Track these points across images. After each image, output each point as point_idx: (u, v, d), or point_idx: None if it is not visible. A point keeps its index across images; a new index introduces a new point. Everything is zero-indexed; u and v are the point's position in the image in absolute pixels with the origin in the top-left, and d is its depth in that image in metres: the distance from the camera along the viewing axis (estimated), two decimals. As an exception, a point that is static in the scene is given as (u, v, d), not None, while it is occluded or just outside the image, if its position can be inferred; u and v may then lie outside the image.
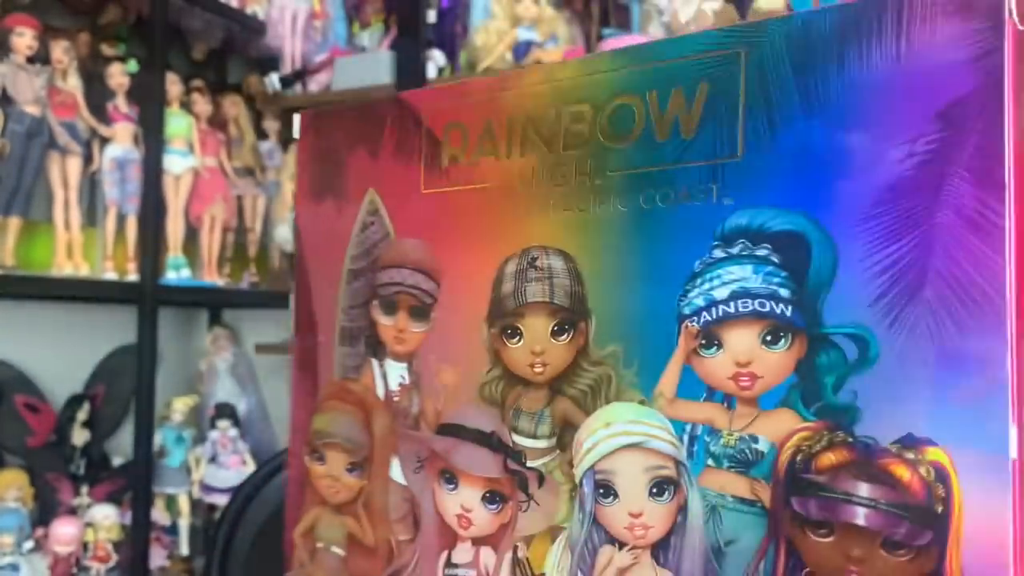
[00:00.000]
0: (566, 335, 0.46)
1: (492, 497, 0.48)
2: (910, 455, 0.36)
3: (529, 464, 0.47)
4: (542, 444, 0.46)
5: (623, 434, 0.43)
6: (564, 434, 0.46)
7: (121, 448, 1.72)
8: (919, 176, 0.36)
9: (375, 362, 0.54)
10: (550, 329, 0.46)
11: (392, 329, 0.53)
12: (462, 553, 0.49)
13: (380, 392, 0.53)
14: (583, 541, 0.44)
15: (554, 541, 0.46)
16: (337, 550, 0.55)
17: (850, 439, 0.37)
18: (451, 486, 0.49)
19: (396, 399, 0.52)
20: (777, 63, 0.40)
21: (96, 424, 1.61)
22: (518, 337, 0.47)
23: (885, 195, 0.37)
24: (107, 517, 1.48)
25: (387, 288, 0.53)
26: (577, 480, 0.45)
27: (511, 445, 0.47)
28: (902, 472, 0.36)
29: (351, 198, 0.56)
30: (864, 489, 0.37)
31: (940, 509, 0.35)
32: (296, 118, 0.59)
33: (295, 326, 0.59)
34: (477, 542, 0.48)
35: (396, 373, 0.53)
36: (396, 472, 0.52)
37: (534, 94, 0.48)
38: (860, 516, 0.37)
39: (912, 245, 0.36)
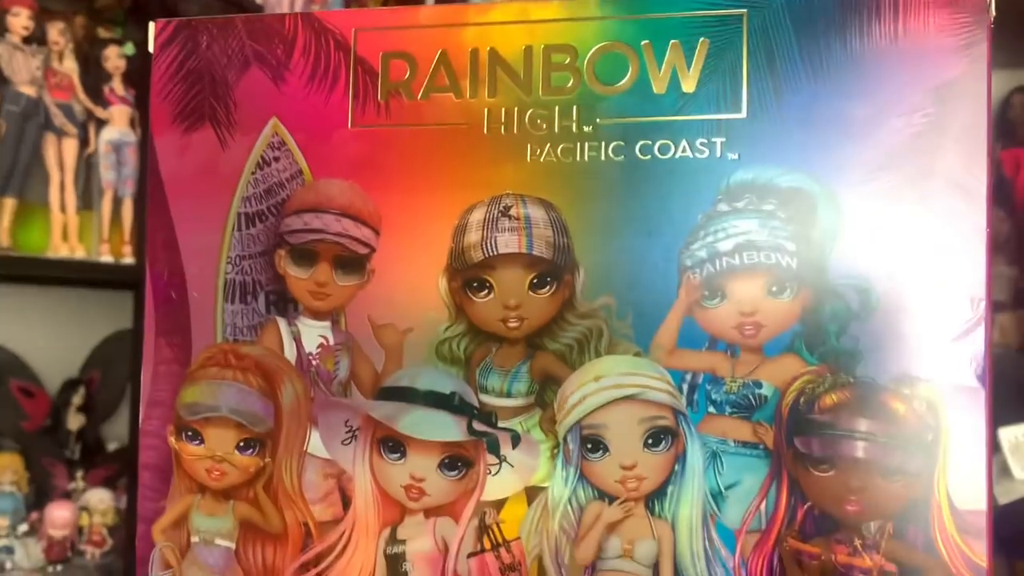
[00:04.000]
0: (548, 288, 0.43)
1: (452, 463, 0.44)
2: (905, 391, 0.41)
3: (501, 424, 0.44)
4: (517, 402, 0.44)
5: (616, 387, 0.42)
6: (544, 390, 0.44)
7: (116, 433, 1.70)
8: (916, 144, 0.41)
9: (282, 321, 0.46)
10: (528, 281, 0.44)
11: (308, 283, 0.46)
12: (411, 527, 0.44)
13: (290, 355, 0.46)
14: (567, 498, 0.43)
15: (530, 503, 0.43)
16: (223, 542, 0.46)
17: (851, 380, 0.41)
18: (395, 455, 0.44)
19: (315, 363, 0.46)
20: (780, 29, 0.42)
21: (91, 409, 1.60)
22: (487, 290, 0.44)
23: (885, 160, 0.41)
24: (102, 501, 1.48)
25: (300, 235, 0.46)
26: (561, 437, 0.43)
27: (477, 405, 0.44)
28: (898, 406, 0.41)
29: (242, 128, 0.47)
30: (864, 424, 0.41)
31: (930, 437, 0.40)
32: (151, 27, 0.49)
33: (149, 280, 0.48)
34: (431, 513, 0.44)
35: (314, 333, 0.46)
36: (315, 445, 0.46)
37: (503, 32, 0.45)
38: (860, 450, 0.41)
39: (909, 205, 0.41)
